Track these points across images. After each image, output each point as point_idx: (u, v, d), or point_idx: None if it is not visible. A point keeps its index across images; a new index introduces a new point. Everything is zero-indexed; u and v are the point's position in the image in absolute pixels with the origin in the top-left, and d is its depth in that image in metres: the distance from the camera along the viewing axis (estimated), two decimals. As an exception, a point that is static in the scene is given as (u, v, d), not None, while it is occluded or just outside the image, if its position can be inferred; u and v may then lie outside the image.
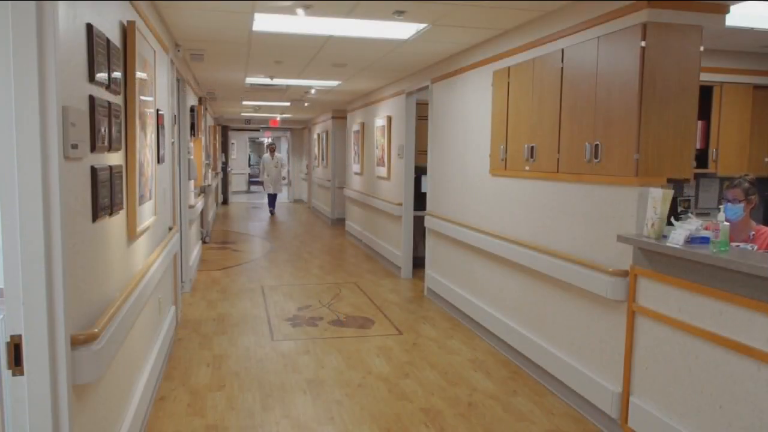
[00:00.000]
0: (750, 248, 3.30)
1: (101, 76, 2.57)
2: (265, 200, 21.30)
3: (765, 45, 4.92)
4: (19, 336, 1.94)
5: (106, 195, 2.65)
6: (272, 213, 15.98)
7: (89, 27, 2.44)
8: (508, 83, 4.76)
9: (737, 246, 3.26)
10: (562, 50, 3.98)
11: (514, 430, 3.62)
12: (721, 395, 2.77)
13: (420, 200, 7.78)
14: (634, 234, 3.31)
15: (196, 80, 8.36)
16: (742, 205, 3.56)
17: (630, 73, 3.33)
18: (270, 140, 26.42)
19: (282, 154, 20.46)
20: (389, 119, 8.61)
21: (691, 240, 2.93)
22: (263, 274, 8.12)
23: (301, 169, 20.48)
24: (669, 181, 3.37)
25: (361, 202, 10.42)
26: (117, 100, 2.92)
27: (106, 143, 2.64)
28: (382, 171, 8.98)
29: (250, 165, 30.72)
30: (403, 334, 5.49)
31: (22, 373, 1.95)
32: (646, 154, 3.31)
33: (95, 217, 2.49)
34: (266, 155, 16.72)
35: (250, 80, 8.49)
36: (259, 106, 13.41)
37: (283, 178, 17.30)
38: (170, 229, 4.93)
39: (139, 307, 3.18)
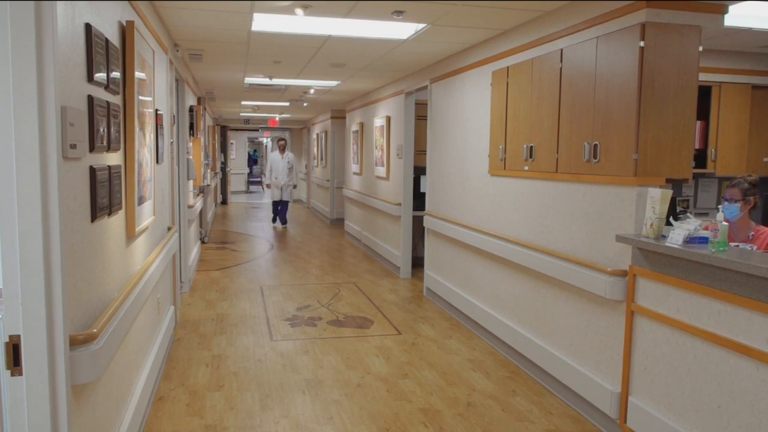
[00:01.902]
0: (749, 248, 3.30)
1: (100, 76, 2.57)
2: (265, 200, 21.11)
3: (763, 45, 4.92)
4: (18, 336, 1.94)
5: (105, 195, 2.65)
6: (284, 226, 13.01)
7: (88, 27, 2.43)
8: (507, 83, 4.76)
9: (736, 246, 3.27)
10: (561, 50, 3.98)
11: (513, 430, 3.62)
12: (720, 395, 2.77)
13: (419, 200, 7.79)
14: (633, 234, 3.31)
15: (195, 80, 8.36)
16: (738, 205, 3.56)
17: (629, 73, 3.33)
18: (264, 139, 25.97)
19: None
20: (388, 119, 8.61)
21: (690, 240, 2.94)
22: (262, 274, 8.12)
23: (300, 169, 20.42)
24: (668, 181, 3.37)
25: (360, 202, 10.42)
26: (116, 100, 2.92)
27: (104, 143, 2.64)
28: (381, 171, 8.98)
29: (255, 162, 30.50)
30: (402, 334, 5.49)
31: (20, 374, 1.95)
32: (645, 154, 3.31)
33: (94, 217, 2.48)
34: (274, 153, 13.19)
35: (249, 80, 8.49)
36: (258, 106, 13.41)
37: (294, 186, 13.38)
38: (169, 229, 4.93)
39: (137, 307, 3.18)
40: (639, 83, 3.27)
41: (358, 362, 4.71)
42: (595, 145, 3.62)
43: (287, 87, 9.34)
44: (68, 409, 2.05)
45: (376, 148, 9.37)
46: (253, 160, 29.88)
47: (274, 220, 13.36)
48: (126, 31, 3.20)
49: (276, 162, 12.90)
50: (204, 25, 4.89)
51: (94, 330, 2.26)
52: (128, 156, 3.15)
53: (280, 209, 13.00)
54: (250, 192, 24.54)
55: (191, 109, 7.35)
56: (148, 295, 3.58)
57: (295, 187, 13.54)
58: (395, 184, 8.26)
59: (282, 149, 13.04)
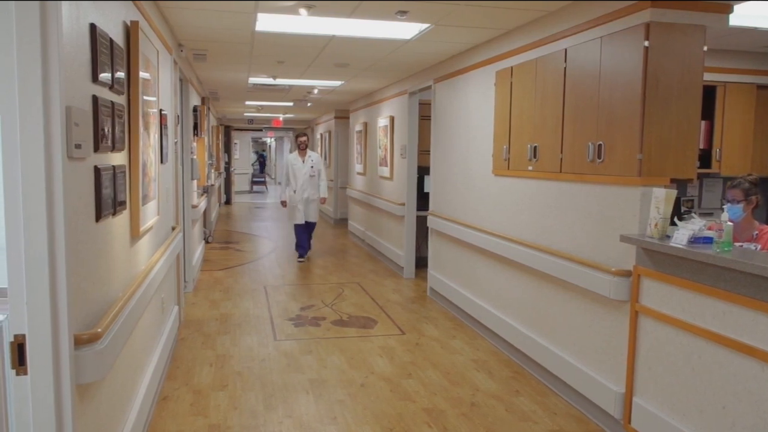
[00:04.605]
0: (753, 248, 3.29)
1: (104, 76, 2.57)
2: (269, 200, 21.03)
3: (769, 45, 4.91)
4: (23, 335, 1.94)
5: (110, 195, 2.66)
6: (303, 256, 9.12)
7: (93, 27, 2.44)
8: (511, 83, 4.76)
9: (741, 246, 3.26)
10: (565, 50, 3.97)
11: (517, 430, 3.62)
12: (724, 395, 2.77)
13: (423, 200, 7.78)
14: (637, 234, 3.30)
15: (199, 80, 8.37)
16: (741, 205, 3.55)
17: (633, 72, 3.33)
18: (267, 139, 25.38)
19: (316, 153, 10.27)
20: (392, 119, 8.61)
21: (695, 240, 2.93)
22: (266, 273, 8.13)
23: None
24: (672, 181, 3.36)
25: (364, 202, 10.42)
26: (120, 100, 2.93)
27: (109, 143, 2.65)
28: (385, 171, 8.98)
29: (264, 164, 30.29)
30: (405, 334, 5.48)
31: (26, 373, 1.96)
32: (650, 154, 3.31)
33: (98, 217, 2.49)
34: (292, 155, 9.12)
35: (252, 80, 8.50)
36: (262, 106, 13.42)
37: (323, 200, 9.06)
38: (173, 228, 4.94)
39: (142, 306, 3.18)
40: (643, 83, 3.26)
41: (361, 362, 4.71)
42: (599, 145, 3.62)
43: (291, 87, 9.35)
44: (73, 409, 2.06)
45: (379, 148, 9.37)
46: (262, 160, 29.64)
47: (300, 253, 9.14)
48: (130, 32, 3.20)
49: (295, 166, 8.94)
50: (208, 25, 4.90)
51: (99, 330, 2.27)
52: (132, 156, 3.16)
53: (308, 234, 9.11)
54: (254, 192, 24.59)
55: (195, 109, 7.37)
56: (153, 295, 3.59)
57: (323, 201, 9.12)
58: (399, 184, 8.26)
59: (303, 148, 9.01)
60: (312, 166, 8.93)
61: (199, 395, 4.03)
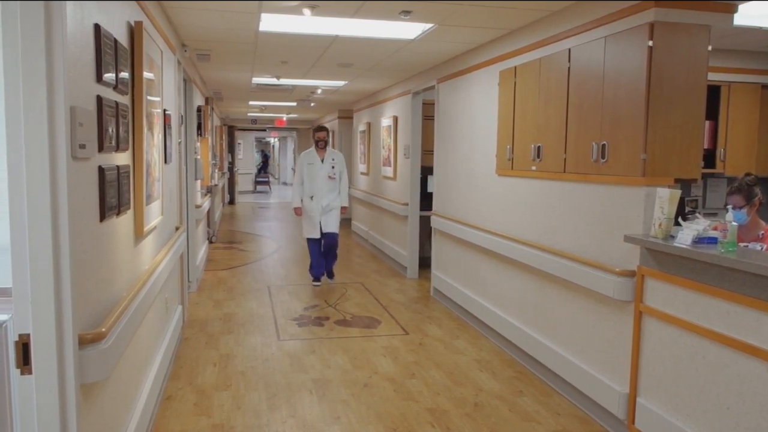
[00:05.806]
0: (759, 248, 3.29)
1: (109, 76, 2.58)
2: (272, 200, 21.03)
3: (773, 44, 4.89)
4: (28, 335, 1.95)
5: (114, 195, 2.66)
6: (320, 278, 7.37)
7: (97, 27, 2.45)
8: (515, 83, 4.75)
9: (746, 246, 3.25)
10: (569, 50, 3.97)
11: (521, 430, 3.62)
12: (729, 396, 2.76)
13: (426, 200, 7.78)
14: (641, 234, 3.30)
15: (202, 80, 8.38)
16: (744, 210, 3.54)
17: (637, 72, 3.32)
18: (271, 139, 25.26)
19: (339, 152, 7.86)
20: (395, 119, 8.61)
21: (699, 240, 2.92)
22: (269, 273, 8.14)
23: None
24: (676, 181, 3.36)
25: (368, 202, 10.42)
26: (124, 100, 2.93)
27: (113, 143, 2.65)
28: (389, 171, 8.98)
29: (267, 163, 30.24)
30: (409, 334, 5.48)
31: (30, 373, 1.96)
32: (654, 154, 3.30)
33: (103, 217, 2.50)
34: (307, 153, 7.36)
35: (256, 80, 8.51)
36: (266, 106, 13.43)
37: (344, 208, 7.33)
38: (177, 228, 4.94)
39: (146, 306, 3.19)
40: (647, 83, 3.25)
41: (365, 362, 4.72)
42: (603, 145, 3.61)
43: (294, 87, 9.36)
44: (77, 408, 2.06)
45: (383, 148, 9.37)
46: (266, 159, 29.59)
47: (315, 274, 7.35)
48: (134, 32, 3.21)
49: (311, 167, 7.24)
50: (211, 25, 4.90)
51: (103, 329, 2.27)
52: (137, 156, 3.16)
53: (325, 252, 7.32)
54: (257, 192, 24.62)
55: (199, 109, 7.38)
56: (156, 295, 3.59)
57: (344, 211, 7.37)
58: (402, 183, 8.26)
59: (322, 146, 7.28)
60: (333, 166, 7.24)
61: (203, 395, 4.04)
